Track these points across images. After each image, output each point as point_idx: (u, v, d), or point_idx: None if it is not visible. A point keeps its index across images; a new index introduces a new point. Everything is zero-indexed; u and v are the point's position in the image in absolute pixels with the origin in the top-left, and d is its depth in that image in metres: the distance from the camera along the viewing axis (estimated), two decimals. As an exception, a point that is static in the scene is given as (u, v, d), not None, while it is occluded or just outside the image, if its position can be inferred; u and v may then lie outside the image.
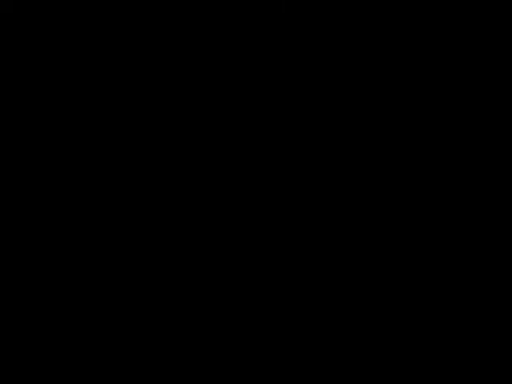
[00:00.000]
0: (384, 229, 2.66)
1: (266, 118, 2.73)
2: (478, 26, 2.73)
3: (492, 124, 2.70)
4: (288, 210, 2.69)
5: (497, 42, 2.72)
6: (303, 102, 2.73)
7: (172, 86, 2.75)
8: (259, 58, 2.75)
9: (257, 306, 2.64)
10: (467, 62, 2.73)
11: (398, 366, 2.59)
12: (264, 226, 2.68)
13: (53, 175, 2.71)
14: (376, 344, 2.60)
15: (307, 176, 2.70)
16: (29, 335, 2.62)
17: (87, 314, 2.63)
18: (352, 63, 2.74)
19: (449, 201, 2.67)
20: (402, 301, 2.63)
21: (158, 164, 2.72)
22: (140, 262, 2.67)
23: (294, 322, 2.63)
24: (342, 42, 2.74)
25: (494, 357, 2.57)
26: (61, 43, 2.76)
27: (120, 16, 2.75)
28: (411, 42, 2.73)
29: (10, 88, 2.74)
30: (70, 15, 2.76)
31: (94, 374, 2.60)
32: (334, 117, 2.72)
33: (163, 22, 2.76)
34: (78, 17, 2.76)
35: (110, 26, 2.75)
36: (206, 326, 2.63)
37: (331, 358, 2.60)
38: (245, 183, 2.70)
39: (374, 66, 2.73)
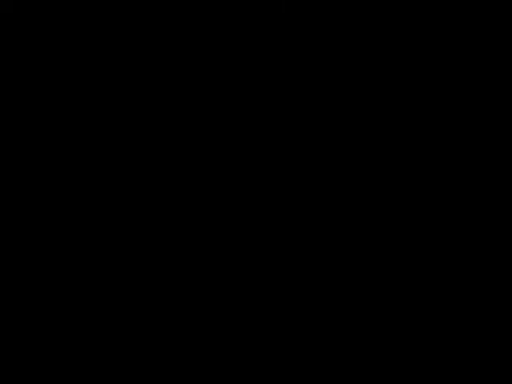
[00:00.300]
0: (384, 228, 2.67)
1: (266, 118, 2.73)
2: (478, 26, 2.74)
3: (492, 124, 2.70)
4: (288, 209, 2.69)
5: (497, 42, 2.73)
6: (303, 102, 2.73)
7: (172, 86, 2.75)
8: (259, 58, 2.75)
9: (257, 305, 2.64)
10: (467, 62, 2.73)
11: (398, 366, 2.59)
12: (264, 226, 2.69)
13: (53, 175, 2.71)
14: (376, 344, 2.60)
15: (307, 176, 2.70)
16: (28, 335, 2.62)
17: (87, 313, 2.63)
18: (352, 63, 2.74)
19: (448, 201, 2.68)
20: (402, 301, 2.63)
21: (158, 164, 2.72)
22: (140, 262, 2.67)
23: (294, 321, 2.63)
24: (342, 42, 2.74)
25: (494, 357, 2.57)
26: (61, 43, 2.76)
27: (120, 16, 2.76)
28: (411, 42, 2.73)
29: (10, 88, 2.74)
30: (70, 15, 2.76)
31: (93, 374, 2.60)
32: (334, 116, 2.73)
33: (163, 22, 2.76)
34: (78, 17, 2.76)
35: (110, 26, 2.76)
36: (205, 325, 2.63)
37: (331, 357, 2.60)
38: (245, 183, 2.70)
39: (373, 66, 2.74)
